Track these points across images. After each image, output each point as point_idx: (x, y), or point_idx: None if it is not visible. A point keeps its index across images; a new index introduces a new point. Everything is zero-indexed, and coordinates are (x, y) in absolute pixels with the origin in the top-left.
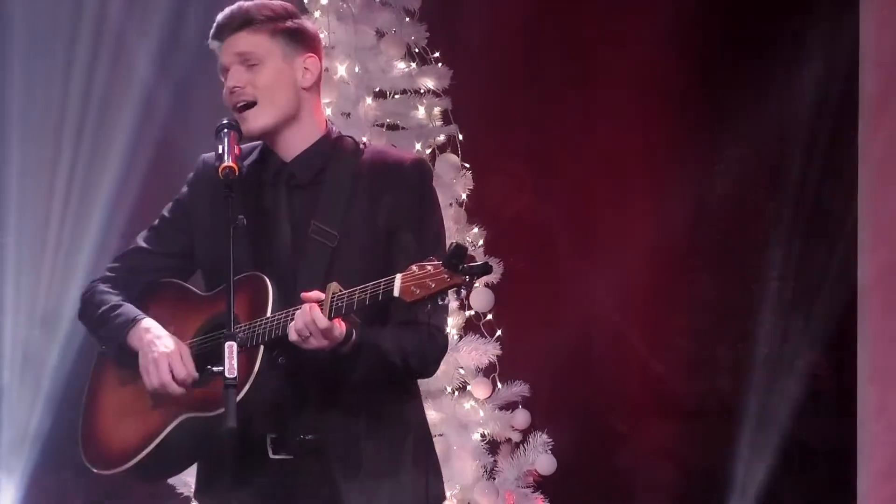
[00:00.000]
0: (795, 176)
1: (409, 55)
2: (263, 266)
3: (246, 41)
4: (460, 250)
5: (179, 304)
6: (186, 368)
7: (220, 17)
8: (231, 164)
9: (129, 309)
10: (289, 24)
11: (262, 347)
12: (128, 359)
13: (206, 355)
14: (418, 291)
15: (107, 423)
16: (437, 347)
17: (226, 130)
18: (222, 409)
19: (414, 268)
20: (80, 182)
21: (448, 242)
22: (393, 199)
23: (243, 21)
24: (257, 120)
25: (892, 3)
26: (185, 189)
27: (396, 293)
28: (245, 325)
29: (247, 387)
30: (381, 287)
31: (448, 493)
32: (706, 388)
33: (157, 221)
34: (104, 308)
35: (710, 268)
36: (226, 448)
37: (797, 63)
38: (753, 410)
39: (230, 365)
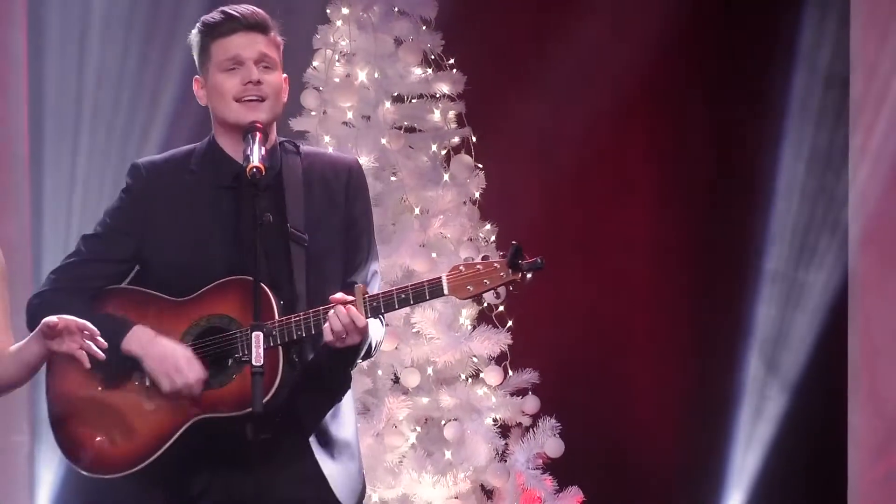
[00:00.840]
0: (791, 174)
1: (426, 62)
2: (238, 268)
3: (267, 45)
4: (520, 250)
5: (150, 310)
6: (198, 371)
7: (239, 10)
8: (258, 164)
9: (111, 317)
10: (281, 41)
11: (280, 348)
12: (117, 364)
13: (209, 358)
14: (472, 289)
15: (98, 427)
16: (384, 330)
17: (254, 132)
18: (235, 412)
19: (461, 267)
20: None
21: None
22: (347, 197)
23: (264, 25)
24: (264, 114)
25: (880, 9)
26: (124, 196)
27: (446, 292)
28: (270, 325)
29: (275, 386)
30: (426, 287)
31: (462, 475)
32: (705, 374)
33: (98, 229)
34: (77, 315)
35: (707, 262)
36: (253, 432)
37: (791, 65)
38: (750, 396)
39: (257, 353)
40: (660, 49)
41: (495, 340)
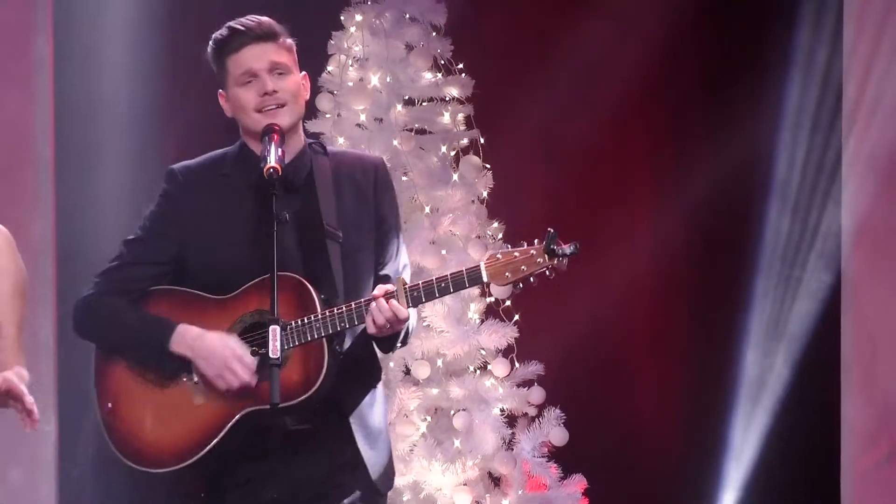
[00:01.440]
0: (786, 174)
1: (436, 66)
2: (278, 266)
3: (276, 52)
4: (556, 236)
5: (193, 309)
6: (251, 365)
7: (245, 24)
8: (275, 164)
9: (157, 319)
10: (290, 43)
11: (324, 340)
12: (164, 363)
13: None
14: (510, 275)
15: (150, 425)
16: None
17: (271, 134)
18: (289, 402)
19: (498, 255)
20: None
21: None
22: (375, 194)
23: (271, 34)
24: (285, 118)
25: (872, 15)
26: (162, 201)
27: (485, 279)
28: (314, 318)
29: (321, 377)
30: (465, 275)
31: (470, 463)
32: (704, 366)
33: (139, 233)
34: (123, 319)
35: (705, 258)
36: (271, 421)
37: (787, 69)
38: (747, 385)
39: (274, 346)
40: (660, 54)
41: (502, 334)
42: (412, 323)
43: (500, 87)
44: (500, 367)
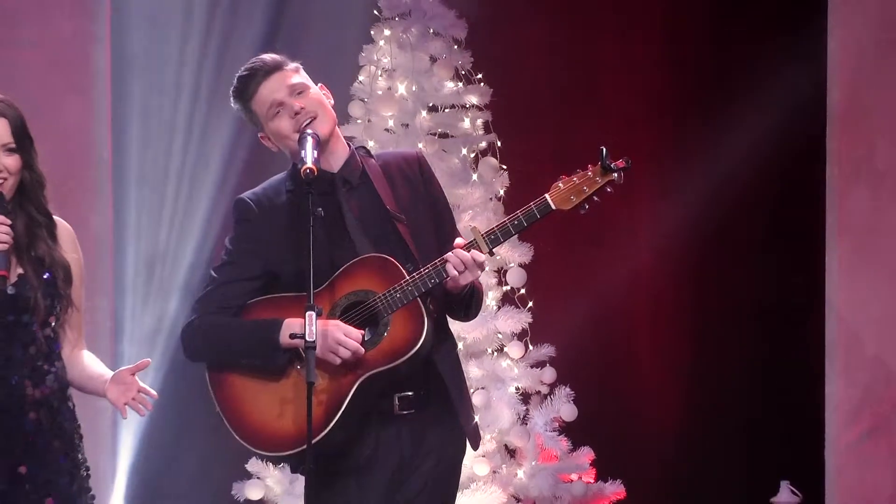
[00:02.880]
0: (776, 174)
1: (457, 76)
2: (340, 259)
3: (288, 77)
4: (608, 155)
5: (291, 308)
6: (355, 334)
7: (251, 67)
8: (311, 165)
9: (260, 320)
10: (294, 62)
11: (419, 302)
12: (277, 358)
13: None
14: (574, 199)
15: (274, 417)
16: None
17: (307, 137)
18: (393, 363)
19: (559, 184)
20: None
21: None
22: (424, 181)
23: (276, 65)
24: (323, 127)
25: (855, 22)
26: (240, 226)
27: (553, 206)
28: (404, 283)
29: (424, 333)
30: (535, 209)
31: (488, 437)
32: (701, 347)
33: (225, 258)
34: (228, 329)
35: (702, 249)
36: (306, 399)
37: (774, 79)
38: (740, 366)
39: (310, 331)
40: (660, 65)
41: (517, 319)
42: (476, 298)
43: (515, 95)
44: (515, 350)
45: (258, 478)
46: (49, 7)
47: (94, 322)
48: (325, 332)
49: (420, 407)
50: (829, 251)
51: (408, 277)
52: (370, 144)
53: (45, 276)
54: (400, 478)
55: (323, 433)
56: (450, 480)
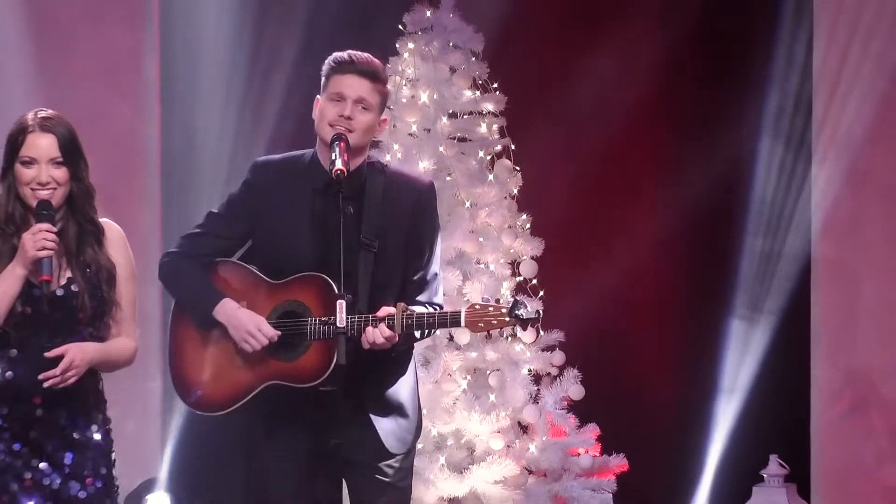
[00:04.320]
0: (764, 174)
1: (475, 86)
2: (324, 263)
3: (370, 91)
4: (520, 304)
5: (249, 286)
6: (268, 334)
7: (358, 56)
8: (341, 167)
9: (211, 287)
10: (386, 89)
11: (339, 342)
12: (211, 324)
13: (284, 337)
14: (482, 325)
15: (203, 374)
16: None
17: (338, 141)
18: (302, 384)
19: (476, 306)
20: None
21: (511, 297)
22: (414, 214)
23: (374, 73)
24: (352, 139)
25: (838, 36)
26: (243, 188)
27: (463, 324)
28: (330, 321)
29: (326, 373)
30: (449, 316)
31: (503, 414)
32: (696, 334)
33: (220, 210)
34: (189, 280)
35: (697, 245)
36: (336, 380)
37: (766, 89)
38: (733, 349)
39: (341, 317)
40: (660, 76)
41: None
42: (420, 331)
43: (528, 103)
44: (527, 335)
45: None
46: (103, 20)
47: (143, 311)
48: (244, 323)
49: (345, 401)
50: (815, 246)
51: (337, 316)
52: (395, 147)
53: (91, 280)
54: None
55: (223, 412)
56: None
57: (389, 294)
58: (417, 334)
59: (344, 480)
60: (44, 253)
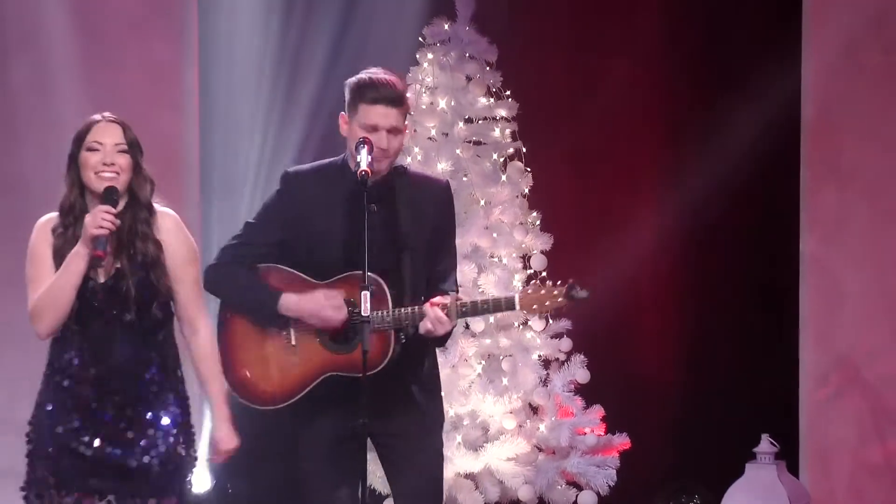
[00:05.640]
0: (757, 174)
1: (489, 93)
2: (355, 260)
3: (398, 117)
4: (574, 286)
5: (298, 286)
6: (344, 311)
7: (384, 84)
8: (366, 168)
9: (267, 288)
10: (409, 103)
11: (392, 332)
12: (274, 324)
13: (336, 331)
14: (536, 307)
15: (260, 370)
16: None
17: (363, 144)
18: (356, 373)
19: (529, 289)
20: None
21: (567, 281)
22: (438, 212)
23: (400, 98)
24: (383, 165)
25: (825, 46)
26: (276, 197)
27: (517, 307)
28: (386, 314)
29: (386, 360)
30: (503, 302)
31: (515, 396)
32: (695, 322)
33: (255, 220)
34: (243, 286)
35: (696, 239)
36: (362, 367)
37: (758, 94)
38: (728, 338)
39: (365, 307)
40: (660, 83)
41: None
42: (456, 331)
43: (538, 109)
44: (537, 323)
45: None
46: (147, 35)
47: None
48: (320, 304)
49: (385, 389)
50: (803, 240)
51: (390, 310)
52: (415, 150)
53: (138, 268)
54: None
55: (286, 404)
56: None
57: (420, 285)
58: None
59: (380, 459)
60: (99, 231)
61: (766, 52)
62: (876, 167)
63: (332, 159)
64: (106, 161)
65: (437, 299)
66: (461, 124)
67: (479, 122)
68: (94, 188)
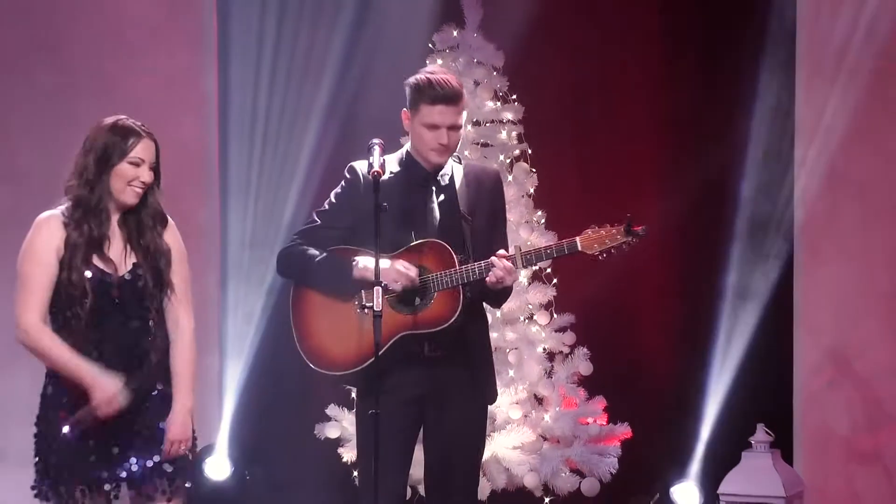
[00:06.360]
0: (753, 176)
1: (496, 97)
2: (421, 237)
3: (458, 116)
4: (632, 221)
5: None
6: (415, 270)
7: (444, 84)
8: (378, 170)
9: (338, 258)
10: (466, 101)
11: (460, 287)
12: (344, 286)
13: (406, 294)
14: (597, 247)
15: (332, 338)
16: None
17: (375, 146)
18: (431, 329)
19: (588, 231)
20: (287, 130)
21: (627, 218)
22: (492, 194)
23: (457, 97)
24: (443, 159)
25: (816, 53)
26: (345, 185)
27: (580, 248)
28: (453, 271)
29: (457, 313)
30: (566, 245)
31: (521, 387)
32: (692, 316)
33: (326, 206)
34: (317, 259)
35: (694, 240)
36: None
37: (754, 100)
38: (724, 328)
39: (377, 302)
40: (661, 88)
41: (544, 293)
42: (506, 295)
43: (543, 112)
44: (542, 317)
45: (336, 420)
46: (168, 42)
47: (204, 295)
48: (388, 267)
49: (447, 362)
50: (797, 239)
51: (458, 268)
52: None
53: (151, 263)
54: (417, 409)
55: (354, 370)
56: (466, 425)
57: (482, 257)
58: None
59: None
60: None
61: (761, 58)
62: (866, 169)
63: (394, 154)
64: (143, 179)
65: (501, 252)
66: (469, 127)
67: (487, 124)
68: (121, 198)
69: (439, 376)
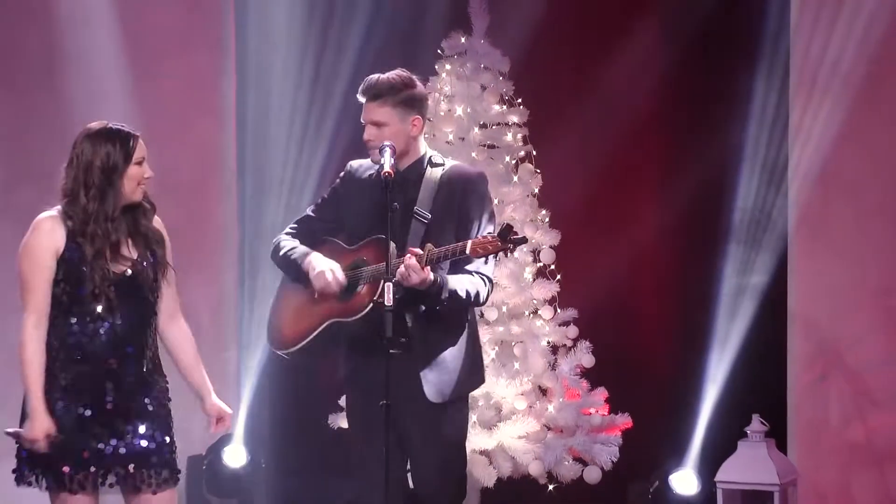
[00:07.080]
0: (749, 176)
1: (502, 101)
2: (384, 232)
3: (375, 112)
4: (508, 230)
5: (334, 252)
6: (338, 277)
7: (364, 83)
8: (390, 170)
9: (303, 249)
10: (403, 95)
11: (381, 283)
12: (302, 279)
13: (350, 281)
14: (480, 251)
15: (287, 320)
16: (486, 289)
17: (386, 147)
18: (356, 316)
19: (479, 238)
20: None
21: (502, 223)
22: (462, 196)
23: (374, 94)
24: (374, 155)
25: (812, 57)
26: (338, 182)
27: (468, 252)
28: (375, 267)
29: (364, 310)
30: (458, 248)
31: (526, 379)
32: (691, 311)
33: (320, 200)
34: (287, 250)
35: (691, 236)
36: (385, 348)
37: (750, 104)
38: (721, 323)
39: (388, 297)
40: (661, 91)
41: (548, 288)
42: (466, 287)
43: (547, 115)
44: (546, 312)
45: None
46: (187, 45)
47: (223, 292)
48: (321, 265)
49: (401, 357)
50: (791, 237)
51: (379, 264)
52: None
53: (150, 248)
54: (371, 400)
55: (293, 348)
56: (413, 419)
57: (442, 261)
58: (455, 292)
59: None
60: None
61: (757, 62)
62: (858, 169)
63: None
64: (147, 175)
65: (411, 250)
66: (476, 129)
67: (493, 127)
68: (132, 198)
69: (392, 370)
